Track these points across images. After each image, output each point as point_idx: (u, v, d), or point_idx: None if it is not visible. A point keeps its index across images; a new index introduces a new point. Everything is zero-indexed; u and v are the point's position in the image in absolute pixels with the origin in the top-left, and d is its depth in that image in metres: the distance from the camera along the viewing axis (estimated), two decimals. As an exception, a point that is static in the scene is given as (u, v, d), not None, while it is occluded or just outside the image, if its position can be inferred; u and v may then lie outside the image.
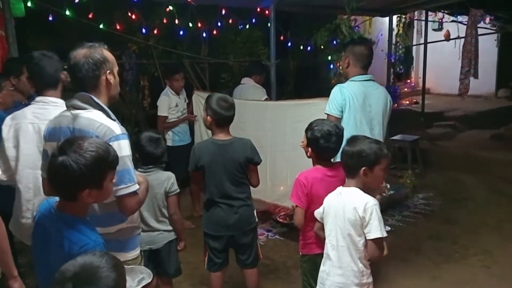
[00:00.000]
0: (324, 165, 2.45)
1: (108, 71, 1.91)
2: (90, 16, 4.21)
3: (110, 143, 1.70)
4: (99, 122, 1.79)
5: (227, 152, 2.70)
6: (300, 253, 2.60)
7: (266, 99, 4.69)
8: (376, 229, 2.02)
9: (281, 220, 4.54)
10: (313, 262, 2.50)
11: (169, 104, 4.49)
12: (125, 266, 1.86)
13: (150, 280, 1.73)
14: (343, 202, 2.12)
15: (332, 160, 2.51)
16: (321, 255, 2.45)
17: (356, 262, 2.11)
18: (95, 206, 1.83)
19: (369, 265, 2.15)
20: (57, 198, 1.62)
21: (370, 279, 2.15)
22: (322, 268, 2.23)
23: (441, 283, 3.45)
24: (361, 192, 2.11)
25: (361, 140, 2.14)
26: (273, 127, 4.01)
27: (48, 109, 2.32)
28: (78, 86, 1.89)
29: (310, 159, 2.50)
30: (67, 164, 1.45)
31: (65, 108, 2.18)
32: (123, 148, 1.78)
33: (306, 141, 2.46)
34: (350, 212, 2.07)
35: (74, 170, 1.45)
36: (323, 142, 2.36)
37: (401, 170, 5.98)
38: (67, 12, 3.92)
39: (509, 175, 5.67)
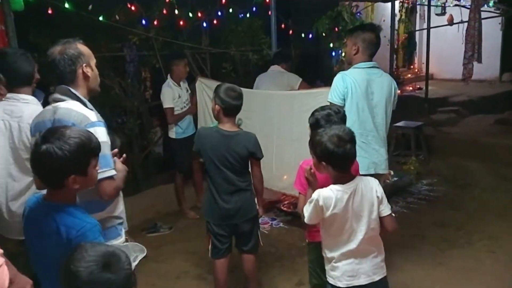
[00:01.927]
0: None
1: (84, 64, 2.00)
2: (90, 8, 4.17)
3: None
4: (75, 111, 1.88)
5: (230, 143, 2.73)
6: (307, 241, 2.63)
7: (302, 81, 4.57)
8: (387, 205, 2.14)
9: (285, 208, 4.55)
10: (319, 250, 2.50)
11: (173, 95, 4.48)
12: (119, 245, 1.90)
13: (144, 255, 1.78)
14: (360, 196, 2.09)
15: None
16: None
17: (381, 242, 2.20)
18: None
19: None
20: (43, 192, 1.66)
21: None
22: (346, 262, 2.15)
23: (447, 269, 3.46)
24: (359, 176, 2.17)
25: (344, 128, 2.09)
26: (279, 117, 4.00)
27: (19, 106, 2.37)
28: (57, 81, 1.99)
29: None
30: (52, 151, 1.48)
31: (34, 104, 2.34)
32: (99, 134, 1.84)
33: (310, 128, 2.45)
34: (374, 199, 2.10)
35: (59, 156, 1.49)
36: (324, 123, 2.35)
37: (404, 157, 5.97)
38: (66, 5, 3.89)
39: (513, 160, 5.64)
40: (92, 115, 1.90)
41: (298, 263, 3.56)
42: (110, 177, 1.87)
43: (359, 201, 2.09)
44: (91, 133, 1.68)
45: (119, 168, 1.99)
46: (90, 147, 1.59)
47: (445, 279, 3.33)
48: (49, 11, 4.02)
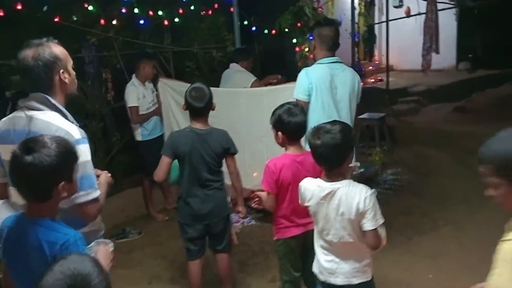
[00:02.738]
0: (293, 151, 2.48)
1: (61, 70, 1.81)
2: (45, 9, 4.02)
3: None
4: (56, 125, 1.72)
5: (206, 141, 2.75)
6: (274, 238, 2.63)
7: (255, 81, 4.55)
8: (372, 220, 1.97)
9: (255, 206, 4.54)
10: (287, 246, 2.54)
11: (137, 94, 4.38)
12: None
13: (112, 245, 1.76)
14: (337, 201, 2.01)
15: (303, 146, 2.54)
16: (294, 238, 2.50)
17: (364, 248, 2.08)
18: None
19: None
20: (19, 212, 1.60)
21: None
22: (327, 258, 2.14)
23: (413, 255, 3.57)
24: (353, 183, 2.04)
25: (333, 129, 2.02)
26: (248, 114, 4.01)
27: None
28: (31, 88, 1.80)
29: None
30: (41, 160, 1.45)
31: None
32: (83, 153, 1.72)
33: (273, 128, 2.49)
34: (352, 210, 1.98)
35: (49, 163, 1.46)
36: (286, 117, 2.41)
37: (369, 148, 6.10)
38: (19, 7, 3.74)
39: (472, 147, 5.73)
40: (75, 131, 1.74)
41: (272, 260, 3.57)
42: (95, 199, 1.75)
43: (336, 205, 2.02)
44: (67, 139, 1.60)
45: (101, 182, 1.89)
46: (72, 152, 1.57)
47: (412, 265, 3.43)
48: (1, 13, 3.83)
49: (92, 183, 1.76)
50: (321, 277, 2.19)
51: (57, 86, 1.81)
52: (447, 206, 4.43)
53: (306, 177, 2.37)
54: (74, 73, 1.91)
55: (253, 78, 4.60)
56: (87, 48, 5.03)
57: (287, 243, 2.54)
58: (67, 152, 1.53)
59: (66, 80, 1.83)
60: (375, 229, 1.98)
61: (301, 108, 2.53)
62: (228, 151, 2.83)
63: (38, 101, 1.77)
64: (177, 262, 3.50)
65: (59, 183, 1.50)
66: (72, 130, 1.73)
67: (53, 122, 1.73)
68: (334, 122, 2.11)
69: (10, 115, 1.86)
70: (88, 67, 5.06)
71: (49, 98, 1.78)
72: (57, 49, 1.82)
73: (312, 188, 2.10)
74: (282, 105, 2.51)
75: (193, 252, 2.90)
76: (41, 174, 1.46)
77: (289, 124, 2.41)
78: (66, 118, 1.79)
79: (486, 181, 1.45)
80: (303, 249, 2.57)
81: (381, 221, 2.00)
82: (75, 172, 1.59)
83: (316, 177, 2.18)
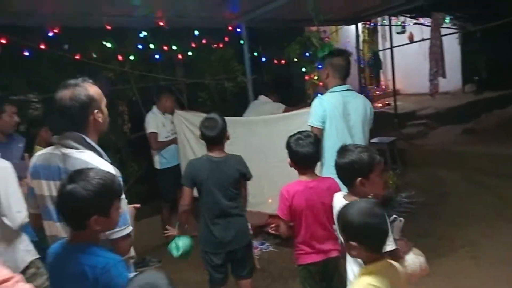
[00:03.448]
0: (306, 177, 2.55)
1: (96, 110, 1.89)
2: (66, 47, 4.22)
3: None
4: (92, 164, 1.77)
5: (222, 168, 2.82)
6: (296, 264, 2.67)
7: (285, 108, 4.76)
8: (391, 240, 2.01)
9: (272, 231, 4.58)
10: (308, 271, 2.59)
11: (157, 122, 4.54)
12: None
13: None
14: None
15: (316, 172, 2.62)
16: (313, 264, 2.55)
17: None
18: None
19: None
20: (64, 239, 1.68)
21: None
22: (352, 270, 2.17)
23: (432, 278, 3.52)
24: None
25: (351, 151, 2.13)
26: (265, 140, 4.09)
27: None
28: (67, 127, 1.87)
29: None
30: (77, 191, 1.53)
31: None
32: None
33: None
34: None
35: (83, 196, 1.53)
36: (294, 146, 2.52)
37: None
38: (42, 46, 3.91)
39: (483, 166, 5.91)
40: (112, 170, 1.78)
41: (291, 285, 3.59)
42: (127, 235, 1.80)
43: None
44: (115, 175, 1.68)
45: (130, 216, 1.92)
46: (113, 188, 1.62)
47: (433, 288, 3.42)
48: (26, 53, 4.01)
49: (126, 219, 1.82)
50: None
51: (91, 125, 1.89)
52: (463, 226, 4.44)
53: (320, 202, 2.47)
54: (107, 112, 1.98)
55: (282, 106, 4.82)
56: (103, 82, 5.21)
57: (307, 269, 2.59)
58: (107, 187, 1.58)
59: (100, 119, 1.91)
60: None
61: (315, 137, 2.59)
62: (245, 176, 2.91)
63: (74, 140, 1.83)
64: (199, 289, 3.52)
65: (91, 217, 1.56)
66: (109, 170, 1.78)
67: (91, 161, 1.78)
68: (358, 146, 2.19)
69: (44, 151, 1.94)
70: (104, 100, 5.23)
71: (85, 137, 1.86)
72: (92, 90, 1.90)
73: (335, 201, 2.23)
74: (294, 134, 2.61)
75: (217, 280, 2.92)
76: (73, 205, 1.55)
77: (296, 154, 2.52)
78: (101, 156, 1.86)
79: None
80: (323, 276, 2.60)
81: (390, 248, 1.97)
82: (115, 208, 1.63)
83: (330, 202, 2.29)
